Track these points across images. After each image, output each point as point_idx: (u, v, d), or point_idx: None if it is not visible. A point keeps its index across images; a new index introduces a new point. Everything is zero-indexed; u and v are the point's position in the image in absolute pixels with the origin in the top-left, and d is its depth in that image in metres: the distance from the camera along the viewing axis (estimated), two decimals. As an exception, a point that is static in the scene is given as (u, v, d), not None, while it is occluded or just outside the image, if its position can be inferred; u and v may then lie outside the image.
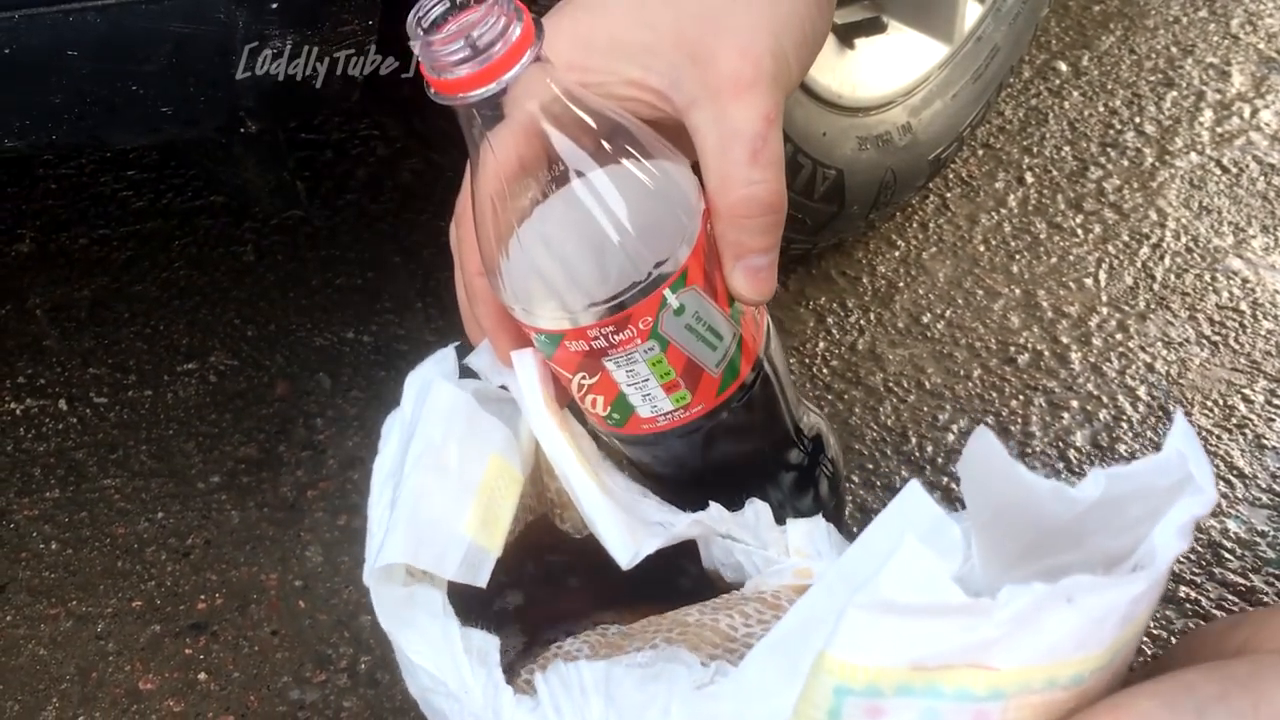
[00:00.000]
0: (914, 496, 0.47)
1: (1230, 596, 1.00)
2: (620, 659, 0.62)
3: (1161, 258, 1.33)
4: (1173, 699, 0.46)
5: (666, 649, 0.64)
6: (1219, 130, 1.50)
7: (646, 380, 0.62)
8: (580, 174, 0.57)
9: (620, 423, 0.65)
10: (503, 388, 0.70)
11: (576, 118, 0.57)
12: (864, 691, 0.43)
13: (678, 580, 0.74)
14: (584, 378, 0.63)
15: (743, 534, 0.70)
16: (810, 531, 0.70)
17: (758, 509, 0.69)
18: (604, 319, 0.59)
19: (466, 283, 0.67)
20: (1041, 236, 1.37)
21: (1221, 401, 1.17)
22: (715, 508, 0.68)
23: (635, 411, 0.64)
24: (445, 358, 0.72)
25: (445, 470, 0.65)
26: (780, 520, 0.70)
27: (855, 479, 1.10)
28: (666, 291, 0.59)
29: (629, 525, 0.66)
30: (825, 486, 0.74)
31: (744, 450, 0.70)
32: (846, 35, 1.25)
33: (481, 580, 0.65)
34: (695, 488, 0.70)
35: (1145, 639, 0.97)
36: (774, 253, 0.61)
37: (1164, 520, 0.47)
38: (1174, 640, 0.98)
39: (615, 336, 0.60)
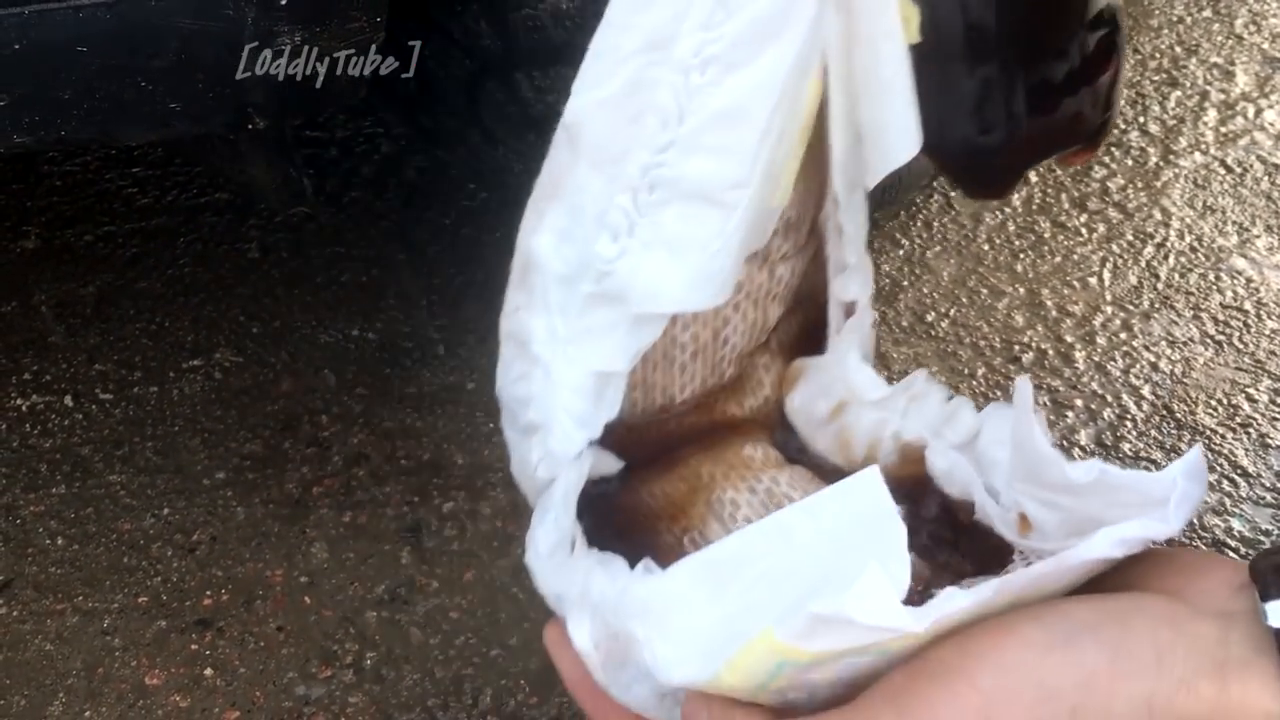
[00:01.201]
0: (890, 527, 0.51)
1: (1234, 595, 1.01)
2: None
3: (1166, 257, 1.33)
4: (1050, 623, 0.50)
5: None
6: (1223, 130, 1.50)
7: None
8: None
9: None
10: None
11: None
12: (804, 665, 0.49)
13: None
14: None
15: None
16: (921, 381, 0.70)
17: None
18: None
19: None
20: (1046, 235, 1.37)
21: (1225, 401, 1.17)
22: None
23: None
24: None
25: (789, 126, 0.57)
26: None
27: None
28: None
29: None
30: (1115, 58, 0.64)
31: None
32: (852, 33, 1.25)
33: (764, 241, 0.60)
34: (981, 48, 0.59)
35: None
36: None
37: (1116, 525, 0.52)
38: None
39: None
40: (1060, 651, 0.49)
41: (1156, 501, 0.54)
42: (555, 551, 0.58)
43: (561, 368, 0.60)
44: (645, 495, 0.66)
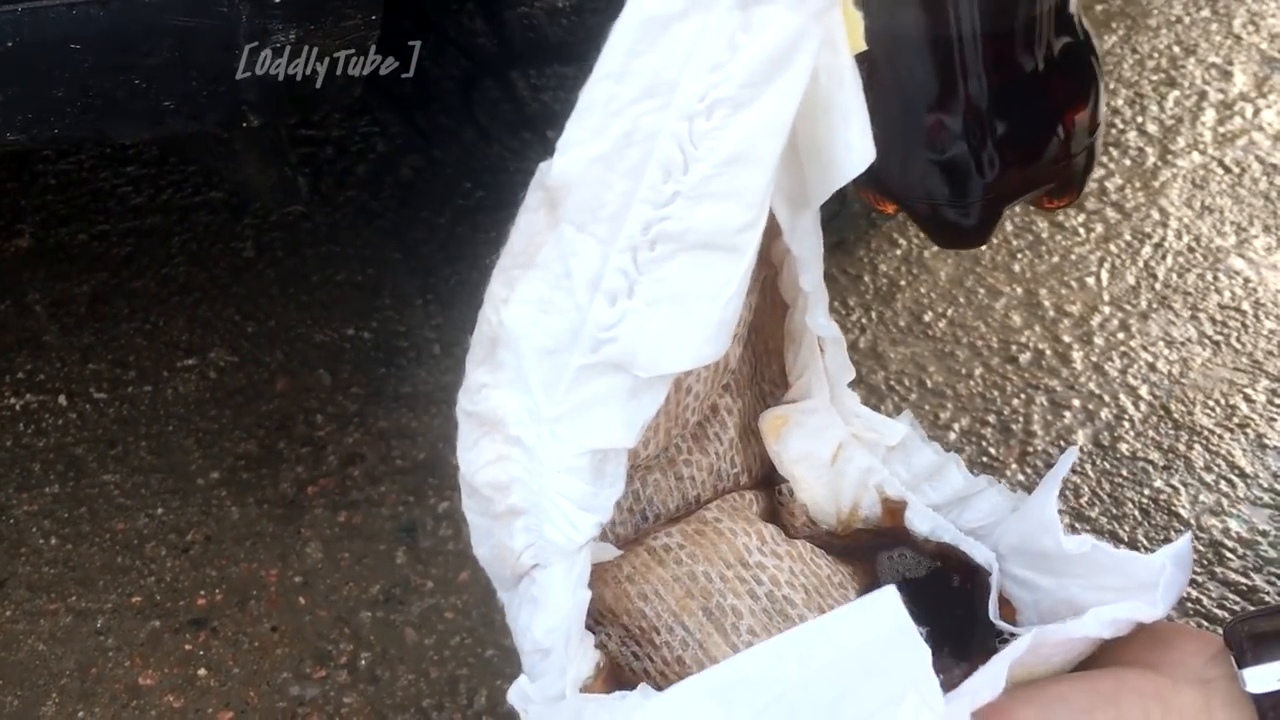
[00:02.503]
0: (913, 650, 0.51)
1: (1232, 595, 1.00)
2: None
3: (1163, 257, 1.33)
4: (1048, 709, 0.52)
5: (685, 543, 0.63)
6: (1221, 130, 1.50)
7: None
8: None
9: None
10: None
11: None
12: None
13: None
14: None
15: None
16: (901, 432, 0.69)
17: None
18: None
19: None
20: (1043, 235, 1.36)
21: (1223, 401, 1.17)
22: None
23: None
24: None
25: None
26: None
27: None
28: None
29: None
30: (1092, 96, 0.61)
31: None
32: (849, 33, 1.25)
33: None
34: (942, 70, 0.58)
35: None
36: None
37: (1107, 606, 0.54)
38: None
39: None
40: None
41: (1140, 584, 0.55)
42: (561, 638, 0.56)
43: (549, 449, 0.56)
44: (635, 596, 0.63)
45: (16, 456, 1.16)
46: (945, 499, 0.69)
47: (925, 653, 0.50)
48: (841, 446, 0.69)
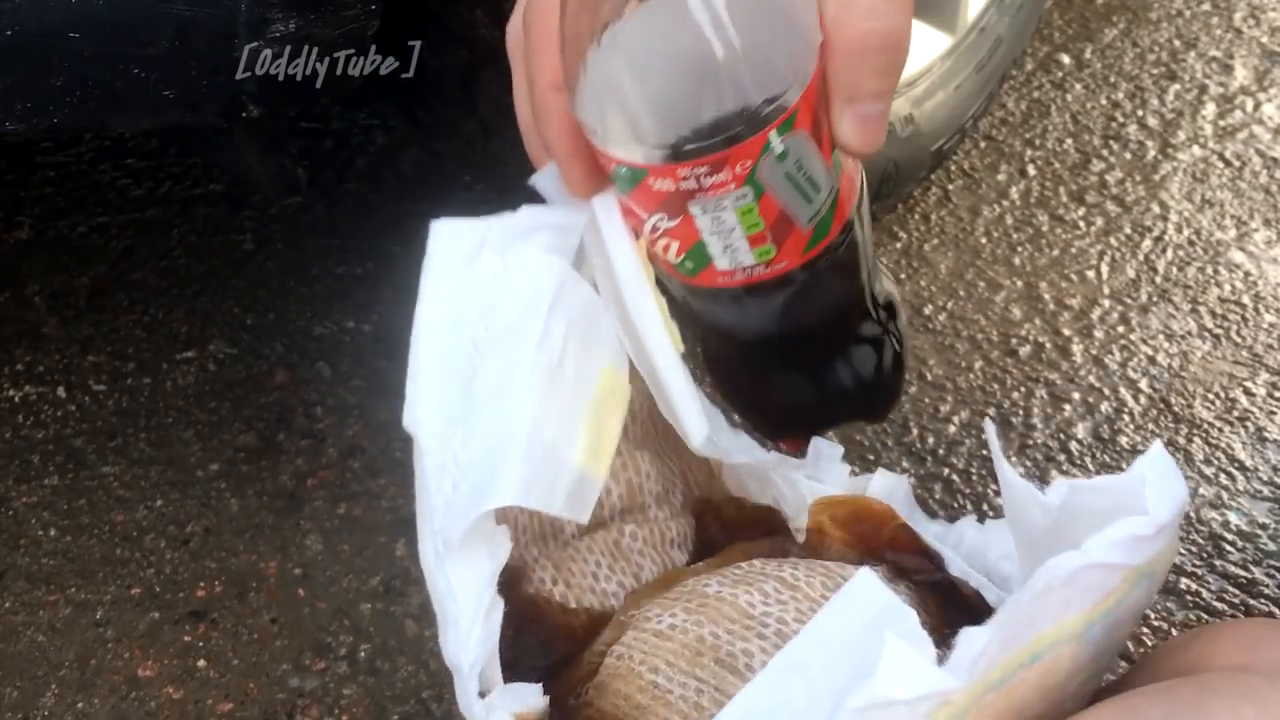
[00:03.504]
0: (899, 616, 0.50)
1: (1231, 589, 1.00)
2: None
3: (1163, 250, 1.33)
4: None
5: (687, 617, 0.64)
6: (1221, 124, 1.50)
7: (732, 230, 0.57)
8: None
9: (693, 272, 0.60)
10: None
11: None
12: None
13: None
14: (662, 220, 0.58)
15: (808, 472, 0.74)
16: (893, 489, 0.74)
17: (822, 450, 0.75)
18: (699, 159, 0.54)
19: (537, 99, 0.59)
20: (1043, 229, 1.36)
21: (1223, 394, 1.17)
22: (790, 460, 0.73)
23: (712, 263, 0.59)
24: (529, 222, 0.65)
25: (562, 379, 0.62)
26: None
27: (855, 469, 1.09)
28: (772, 134, 0.54)
29: (704, 408, 0.65)
30: (891, 358, 0.70)
31: (817, 314, 0.65)
32: (849, 25, 1.24)
33: (585, 515, 0.63)
34: (757, 355, 0.67)
35: (1146, 630, 0.97)
36: (888, 100, 0.56)
37: (1102, 531, 0.50)
38: (1175, 632, 0.97)
39: (708, 179, 0.55)
40: None
41: (1135, 505, 0.53)
42: None
43: (466, 671, 0.63)
44: (647, 671, 0.65)
45: (15, 448, 1.16)
46: (967, 552, 0.72)
47: (910, 614, 0.49)
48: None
